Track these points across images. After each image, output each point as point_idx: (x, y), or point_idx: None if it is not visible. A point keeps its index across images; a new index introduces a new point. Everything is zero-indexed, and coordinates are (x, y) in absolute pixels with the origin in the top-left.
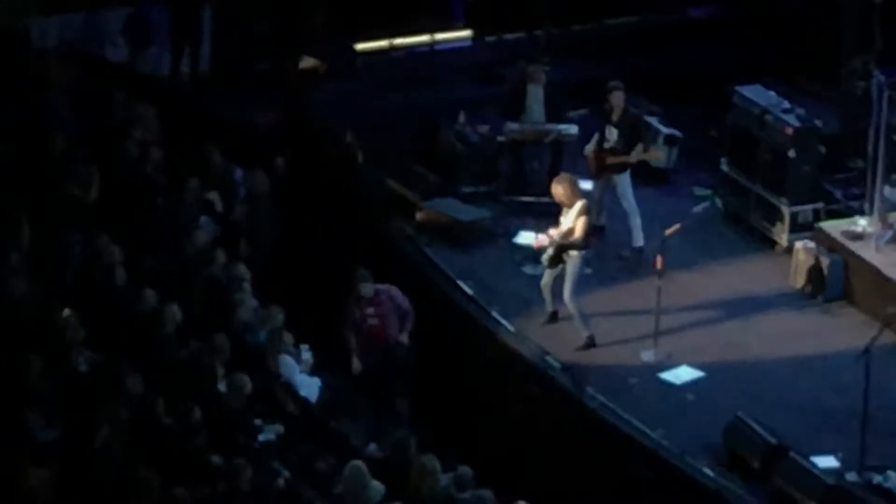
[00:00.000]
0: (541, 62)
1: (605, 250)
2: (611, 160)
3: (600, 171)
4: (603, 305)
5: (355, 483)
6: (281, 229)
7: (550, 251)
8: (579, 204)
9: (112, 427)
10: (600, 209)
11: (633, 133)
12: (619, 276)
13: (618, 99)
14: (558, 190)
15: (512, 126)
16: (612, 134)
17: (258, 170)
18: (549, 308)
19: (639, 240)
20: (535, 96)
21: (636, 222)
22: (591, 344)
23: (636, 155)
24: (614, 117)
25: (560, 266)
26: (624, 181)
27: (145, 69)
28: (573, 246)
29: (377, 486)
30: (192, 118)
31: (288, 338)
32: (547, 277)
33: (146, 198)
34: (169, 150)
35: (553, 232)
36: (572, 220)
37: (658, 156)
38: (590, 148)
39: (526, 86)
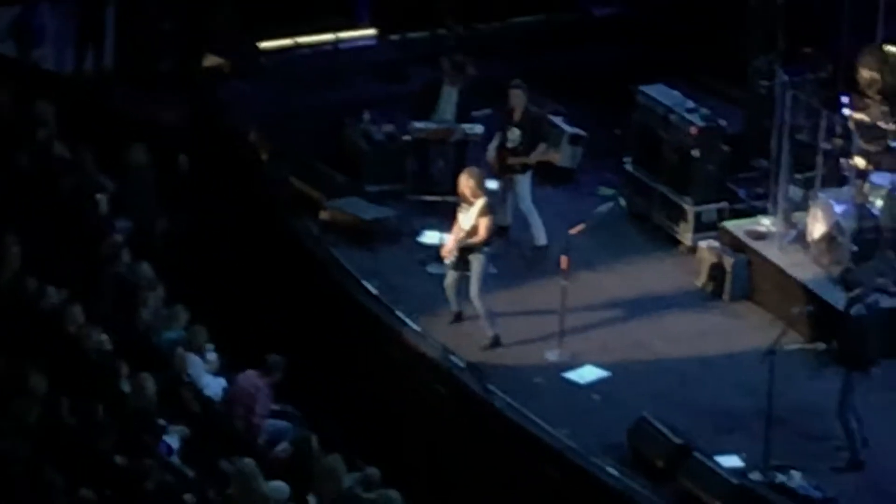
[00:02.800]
0: (465, 66)
1: (509, 250)
2: (512, 160)
3: (502, 171)
4: (508, 305)
5: (244, 482)
6: (183, 225)
7: (455, 253)
8: (481, 202)
9: (17, 428)
10: (505, 209)
11: (535, 133)
12: (523, 275)
13: (517, 98)
14: (467, 182)
15: (417, 125)
16: (515, 134)
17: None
18: (455, 308)
19: (541, 239)
20: (449, 98)
21: (536, 222)
22: (496, 343)
23: (536, 155)
24: (516, 117)
25: (464, 265)
26: (524, 183)
27: (45, 66)
28: (476, 246)
29: (279, 487)
30: (94, 115)
31: (199, 336)
32: (450, 277)
33: (49, 194)
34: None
35: (453, 237)
36: (474, 218)
37: (557, 158)
38: (492, 148)
39: (441, 87)
